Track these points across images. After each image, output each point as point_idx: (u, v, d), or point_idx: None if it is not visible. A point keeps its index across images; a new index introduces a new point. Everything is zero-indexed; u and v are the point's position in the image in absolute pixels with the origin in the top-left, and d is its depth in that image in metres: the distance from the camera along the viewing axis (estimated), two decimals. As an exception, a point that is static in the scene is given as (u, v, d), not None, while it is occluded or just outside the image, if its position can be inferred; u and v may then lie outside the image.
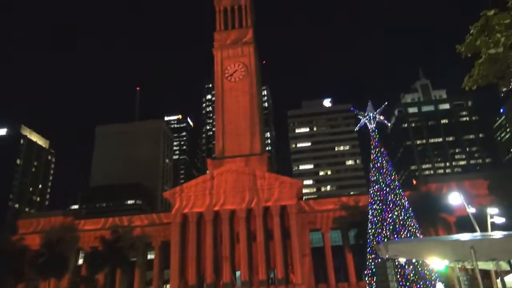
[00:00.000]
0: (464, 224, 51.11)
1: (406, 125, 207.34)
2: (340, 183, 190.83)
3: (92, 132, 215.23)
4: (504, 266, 20.14)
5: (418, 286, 33.54)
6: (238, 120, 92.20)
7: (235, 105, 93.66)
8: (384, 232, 36.40)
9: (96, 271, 75.34)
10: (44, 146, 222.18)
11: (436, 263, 21.13)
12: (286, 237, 76.70)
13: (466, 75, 14.25)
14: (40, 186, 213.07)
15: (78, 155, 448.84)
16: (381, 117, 41.21)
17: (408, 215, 37.07)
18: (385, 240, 35.16)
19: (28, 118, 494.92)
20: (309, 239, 79.96)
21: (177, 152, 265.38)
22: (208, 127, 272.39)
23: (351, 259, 75.95)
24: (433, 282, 33.78)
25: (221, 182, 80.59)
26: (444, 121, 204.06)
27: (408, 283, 33.77)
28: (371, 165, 40.17)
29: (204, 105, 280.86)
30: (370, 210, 38.98)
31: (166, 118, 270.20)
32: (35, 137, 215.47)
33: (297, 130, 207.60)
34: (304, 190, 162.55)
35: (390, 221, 36.58)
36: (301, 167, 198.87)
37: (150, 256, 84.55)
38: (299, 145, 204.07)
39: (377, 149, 40.05)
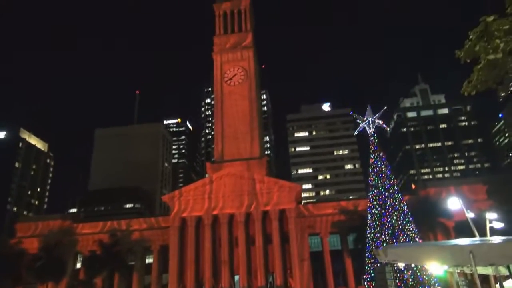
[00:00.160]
0: (463, 229, 51.02)
1: (405, 129, 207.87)
2: (339, 187, 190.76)
3: (91, 135, 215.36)
4: (503, 271, 20.11)
5: (417, 291, 33.43)
6: (237, 124, 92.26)
7: (235, 109, 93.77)
8: (383, 236, 36.33)
9: (94, 275, 75.13)
10: (43, 149, 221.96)
11: (435, 268, 21.09)
12: (285, 241, 76.53)
13: (465, 80, 14.32)
14: (38, 189, 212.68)
15: (77, 158, 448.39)
16: (380, 122, 41.24)
17: (407, 219, 37.02)
18: (384, 244, 35.08)
19: (27, 121, 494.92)
20: (308, 244, 79.81)
21: (176, 155, 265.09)
22: (207, 131, 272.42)
23: (350, 263, 75.78)
24: (432, 287, 33.70)
25: (220, 186, 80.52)
26: (443, 125, 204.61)
27: (407, 288, 33.66)
28: (370, 170, 40.16)
29: (203, 109, 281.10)
30: (369, 215, 38.92)
31: (165, 122, 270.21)
32: (34, 140, 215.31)
33: (296, 134, 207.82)
34: (303, 194, 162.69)
35: (389, 225, 36.53)
36: (300, 171, 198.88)
37: (149, 260, 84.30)
38: (298, 149, 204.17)
39: (376, 154, 40.06)
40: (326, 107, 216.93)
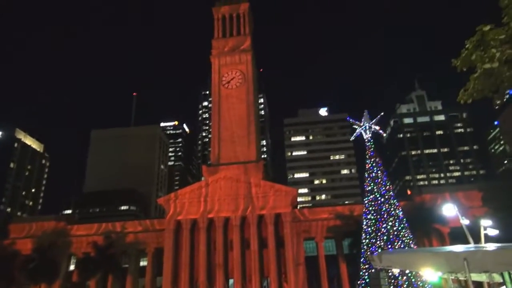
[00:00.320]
0: (458, 236, 51.16)
1: (401, 135, 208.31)
2: (335, 192, 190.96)
3: (88, 136, 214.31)
4: (497, 278, 20.18)
5: (412, 297, 33.47)
6: (234, 127, 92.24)
7: (232, 112, 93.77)
8: (378, 242, 36.42)
9: (88, 277, 74.73)
10: (38, 150, 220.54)
11: (430, 274, 21.13)
12: (280, 245, 76.41)
13: (461, 88, 14.44)
14: (33, 190, 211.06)
15: (72, 159, 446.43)
16: (377, 127, 41.47)
17: (402, 225, 37.15)
18: (379, 250, 35.15)
19: (23, 121, 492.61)
20: (303, 248, 79.70)
21: (172, 158, 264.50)
22: (204, 134, 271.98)
23: (345, 268, 75.70)
24: (426, 293, 33.74)
25: (216, 189, 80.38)
26: (439, 132, 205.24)
27: (401, 294, 33.70)
28: (366, 175, 40.32)
29: (200, 111, 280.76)
30: (364, 220, 39.04)
31: (162, 124, 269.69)
32: (29, 141, 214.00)
33: (293, 139, 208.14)
34: (299, 199, 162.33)
35: (384, 231, 36.64)
36: (296, 175, 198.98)
37: (143, 263, 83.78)
38: (294, 153, 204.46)
39: (372, 159, 40.23)
40: (323, 112, 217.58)
